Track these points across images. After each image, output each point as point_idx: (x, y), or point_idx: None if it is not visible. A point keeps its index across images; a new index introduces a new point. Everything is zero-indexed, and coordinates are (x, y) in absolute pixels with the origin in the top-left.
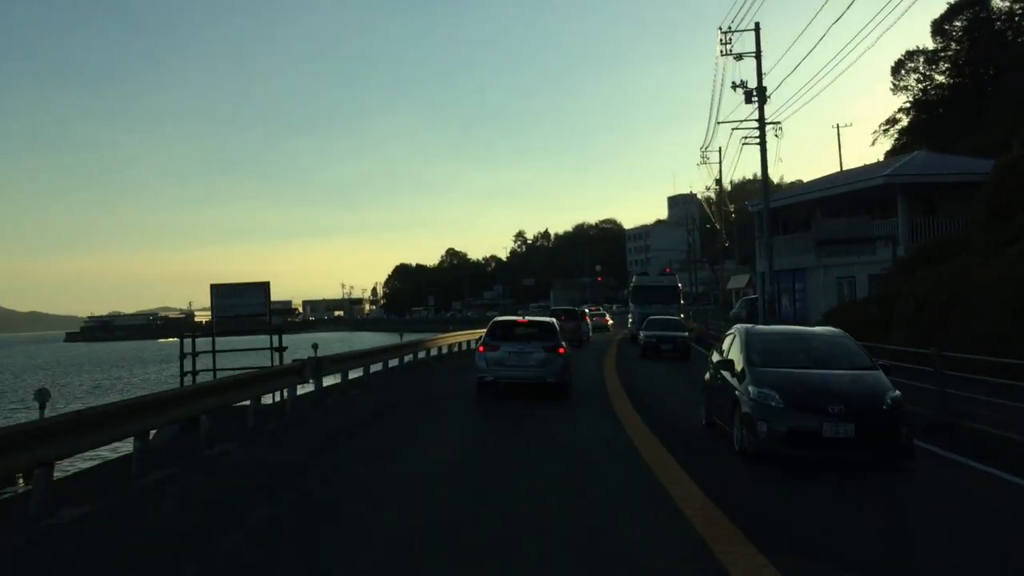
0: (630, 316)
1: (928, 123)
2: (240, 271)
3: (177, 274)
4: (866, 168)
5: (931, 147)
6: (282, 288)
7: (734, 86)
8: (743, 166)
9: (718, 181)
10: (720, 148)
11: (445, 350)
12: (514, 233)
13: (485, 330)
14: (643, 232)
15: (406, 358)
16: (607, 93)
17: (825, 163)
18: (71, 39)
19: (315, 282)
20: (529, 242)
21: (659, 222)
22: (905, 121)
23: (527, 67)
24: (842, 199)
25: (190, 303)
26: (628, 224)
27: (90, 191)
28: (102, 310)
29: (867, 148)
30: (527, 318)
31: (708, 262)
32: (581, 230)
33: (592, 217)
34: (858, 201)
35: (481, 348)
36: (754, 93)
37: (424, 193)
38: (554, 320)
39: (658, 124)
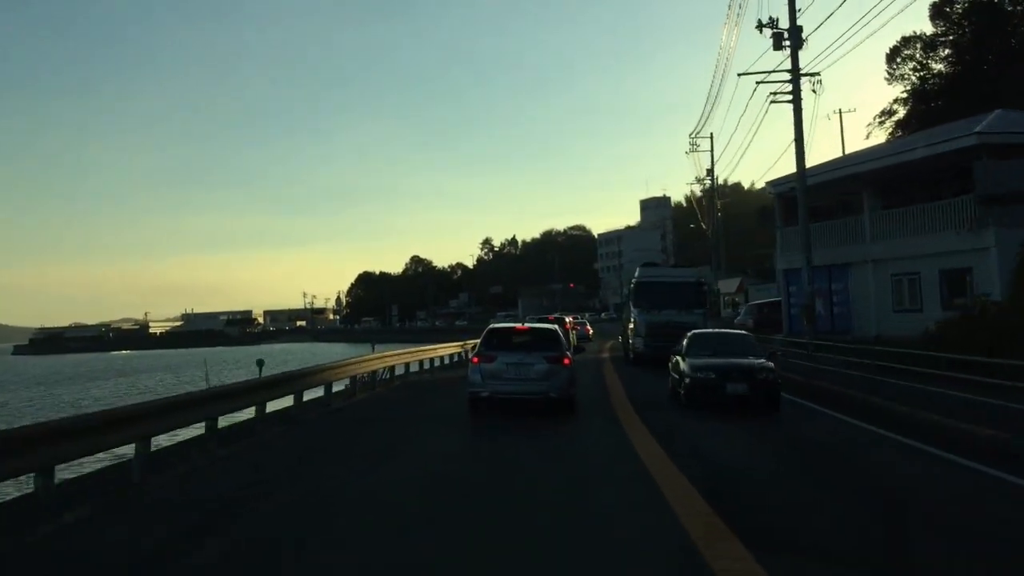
0: (631, 325)
1: (927, 115)
2: (205, 281)
3: (142, 284)
4: (915, 137)
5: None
6: (245, 298)
7: (760, 26)
8: (768, 130)
9: (710, 171)
10: (712, 135)
11: (369, 377)
12: (481, 240)
13: (417, 348)
14: (615, 237)
15: (271, 405)
16: (577, 102)
17: (820, 154)
18: (28, 44)
19: (279, 292)
20: (496, 249)
21: (629, 228)
22: (902, 112)
23: (495, 75)
24: (902, 170)
25: (146, 314)
26: (598, 232)
27: (55, 200)
28: (65, 321)
29: (862, 141)
30: (527, 324)
31: (688, 267)
32: (549, 237)
33: (561, 224)
34: (922, 173)
35: (475, 359)
36: (785, 36)
37: (391, 202)
38: (557, 327)
39: (629, 133)
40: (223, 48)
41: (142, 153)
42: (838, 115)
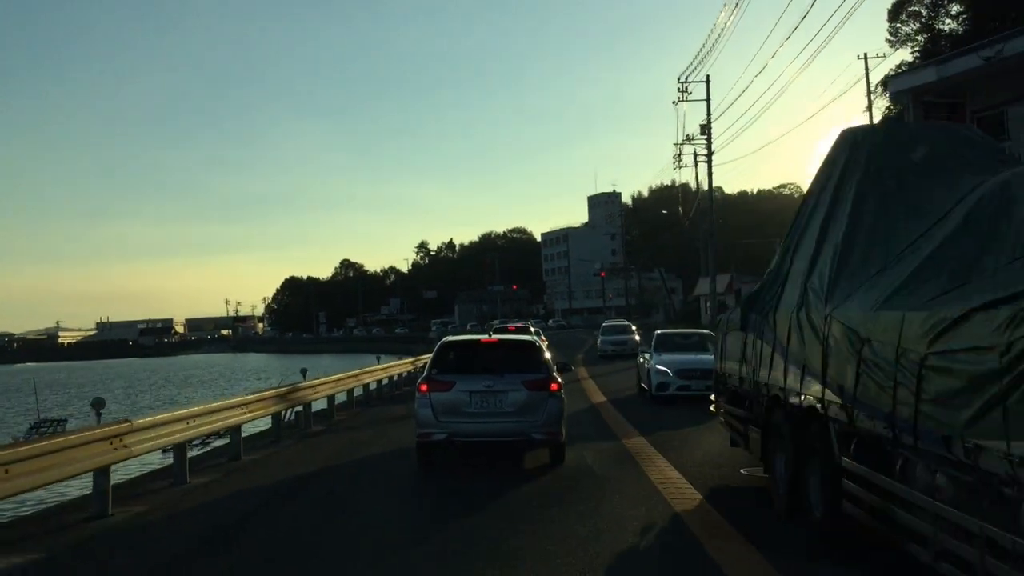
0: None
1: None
2: (124, 288)
3: (53, 291)
4: None
5: None
6: (167, 306)
7: None
8: (754, 129)
9: (704, 126)
10: (708, 78)
11: None
12: (416, 244)
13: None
14: (561, 236)
15: None
16: (519, 106)
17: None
18: None
19: (203, 300)
20: (433, 253)
21: (572, 228)
22: None
23: (431, 78)
24: None
25: (57, 322)
26: (542, 231)
27: None
28: None
29: (863, 113)
30: (495, 336)
31: (636, 269)
32: (489, 239)
33: (501, 227)
34: None
35: (424, 387)
36: None
37: (324, 208)
38: (535, 339)
39: (574, 139)
40: (137, 44)
41: (55, 155)
42: (863, 60)
